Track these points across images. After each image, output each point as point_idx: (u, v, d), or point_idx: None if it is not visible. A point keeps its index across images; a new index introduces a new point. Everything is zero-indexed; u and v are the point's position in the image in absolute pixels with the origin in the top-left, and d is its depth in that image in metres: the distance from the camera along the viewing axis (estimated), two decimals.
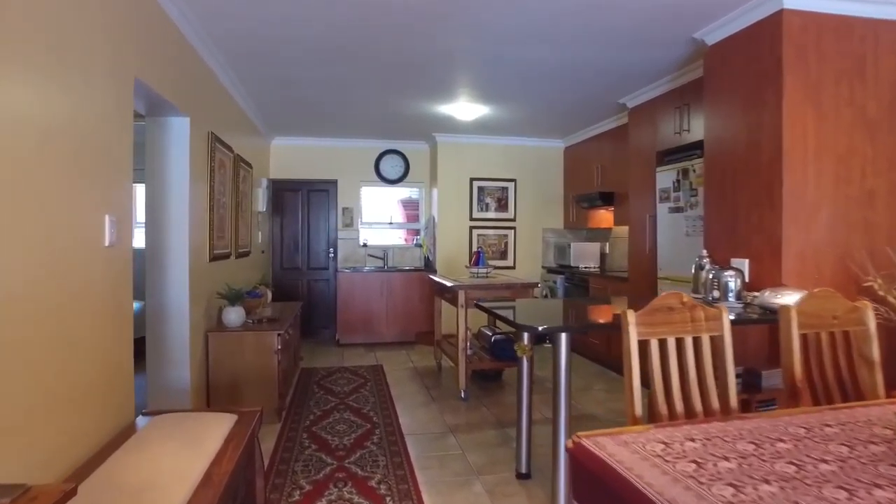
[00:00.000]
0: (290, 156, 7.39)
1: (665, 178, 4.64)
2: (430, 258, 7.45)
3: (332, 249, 7.56)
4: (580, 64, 4.35)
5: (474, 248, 7.35)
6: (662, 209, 4.67)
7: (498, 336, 4.98)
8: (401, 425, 4.02)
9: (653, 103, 4.91)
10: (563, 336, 2.50)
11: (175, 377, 3.54)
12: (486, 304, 3.25)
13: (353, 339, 7.05)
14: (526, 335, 3.01)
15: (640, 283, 5.08)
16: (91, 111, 2.18)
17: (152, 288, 3.51)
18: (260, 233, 6.43)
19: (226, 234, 4.53)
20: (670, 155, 4.68)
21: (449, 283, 4.65)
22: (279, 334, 4.03)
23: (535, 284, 4.82)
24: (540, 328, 2.36)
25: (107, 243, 2.31)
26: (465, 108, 5.70)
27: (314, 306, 7.49)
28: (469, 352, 4.71)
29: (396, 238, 7.98)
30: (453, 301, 4.75)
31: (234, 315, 4.05)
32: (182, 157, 3.52)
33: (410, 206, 8.02)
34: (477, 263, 5.18)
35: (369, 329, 7.06)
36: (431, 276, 5.68)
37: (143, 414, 2.63)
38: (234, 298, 4.07)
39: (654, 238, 4.80)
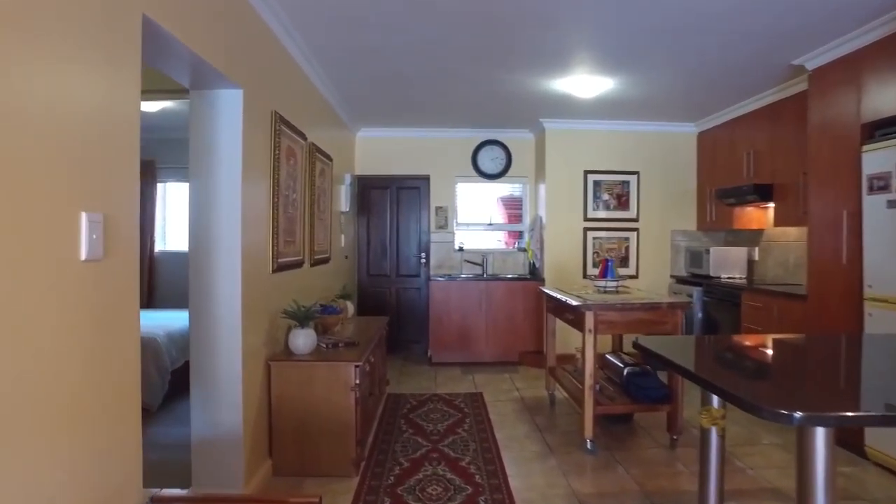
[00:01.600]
0: (377, 149, 6.62)
1: (879, 159, 3.33)
2: (537, 265, 6.41)
3: (423, 254, 6.71)
4: (747, 7, 3.17)
5: (590, 253, 6.22)
6: (875, 203, 3.36)
7: (632, 368, 3.87)
8: (511, 490, 3.03)
9: (856, 58, 3.59)
10: (822, 433, 1.40)
11: (224, 421, 2.76)
12: (654, 349, 2.12)
13: (447, 357, 6.15)
14: (716, 398, 1.92)
15: (828, 303, 3.77)
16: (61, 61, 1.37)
17: (196, 307, 2.75)
18: (343, 236, 5.69)
19: (297, 238, 3.75)
20: (888, 127, 3.36)
21: (573, 302, 3.61)
22: (357, 366, 3.17)
23: (688, 304, 3.66)
24: (796, 415, 1.28)
25: (84, 256, 1.50)
26: (584, 83, 4.62)
27: (403, 318, 6.67)
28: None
29: (495, 241, 7.00)
30: (577, 324, 3.70)
31: (302, 339, 3.25)
32: (232, 140, 2.73)
33: (512, 204, 7.02)
34: (605, 275, 4.09)
35: (466, 346, 6.12)
36: (544, 290, 4.65)
37: (154, 502, 1.82)
38: (303, 318, 3.27)
39: (858, 243, 3.49)
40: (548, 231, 6.18)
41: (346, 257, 5.96)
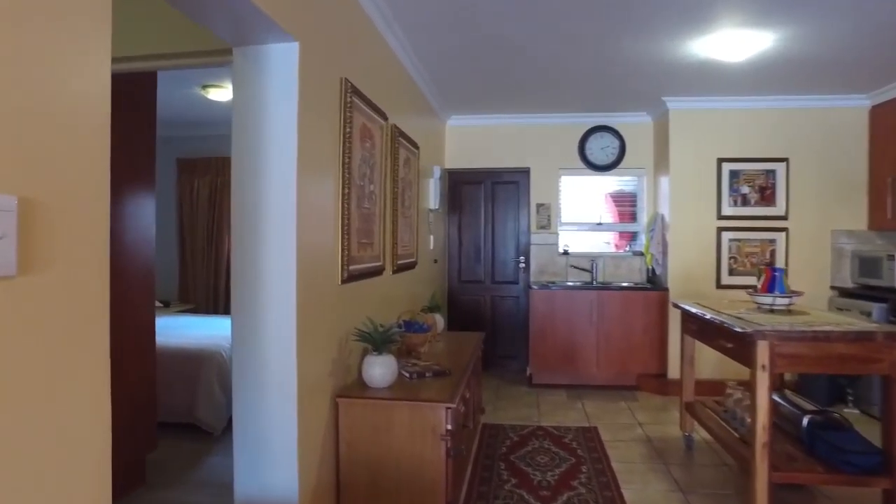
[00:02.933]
0: (469, 139, 5.87)
1: None
2: (657, 271, 5.40)
3: (522, 258, 5.88)
4: None
5: (724, 258, 5.13)
6: None
7: (815, 416, 2.85)
8: None
9: None
10: None
11: (275, 481, 2.09)
12: None
13: (550, 377, 5.29)
14: None
15: None
16: None
17: (240, 328, 2.11)
18: (432, 237, 4.99)
19: (375, 239, 3.07)
20: None
21: (738, 327, 2.66)
22: (449, 408, 2.42)
23: None
24: None
25: None
26: (732, 42, 3.62)
27: (499, 330, 5.88)
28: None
29: (602, 243, 6.04)
30: (740, 355, 2.74)
31: (379, 369, 2.54)
32: (285, 111, 2.07)
33: (623, 200, 6.03)
34: (771, 288, 3.09)
35: (573, 366, 5.23)
36: (681, 305, 3.69)
37: None
38: (380, 342, 2.56)
39: None
40: (672, 232, 5.16)
41: (435, 261, 5.26)
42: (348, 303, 2.67)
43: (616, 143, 5.73)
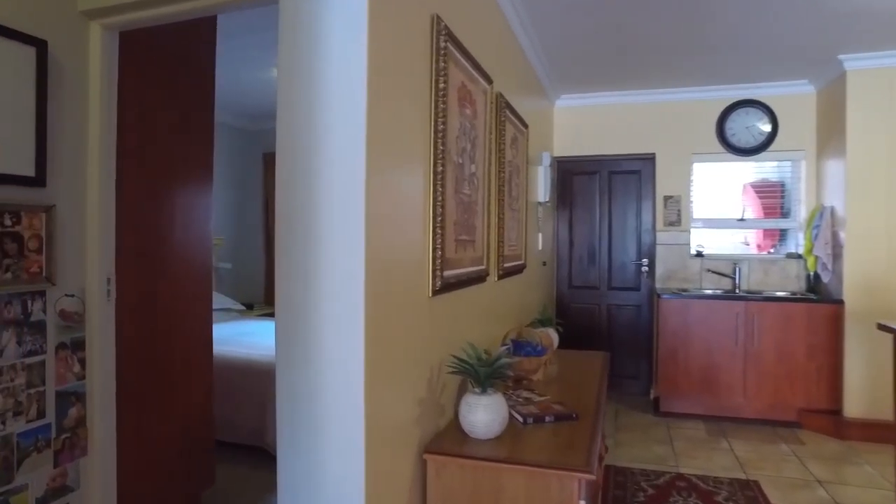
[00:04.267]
0: (582, 122, 5.05)
1: None
2: (824, 278, 4.31)
3: (645, 260, 4.97)
4: None
5: None
6: None
7: None
8: None
9: None
10: None
11: None
12: None
13: (682, 405, 4.36)
14: None
15: None
16: None
17: (285, 354, 1.49)
18: (541, 235, 4.23)
19: (477, 237, 2.37)
20: None
21: None
22: (584, 479, 1.67)
23: None
24: None
25: None
26: None
27: (616, 343, 5.00)
28: None
29: (740, 244, 4.99)
30: None
31: (483, 414, 1.83)
32: (349, 59, 1.42)
33: (768, 191, 4.95)
34: None
35: (712, 392, 4.28)
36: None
37: None
38: (484, 378, 1.86)
39: None
40: (848, 229, 4.05)
41: (544, 264, 4.49)
42: (441, 320, 2.00)
43: (766, 119, 4.68)
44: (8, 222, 1.75)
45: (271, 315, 5.40)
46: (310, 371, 1.48)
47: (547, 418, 2.05)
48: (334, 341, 1.45)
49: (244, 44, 3.65)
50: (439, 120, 1.87)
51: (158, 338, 2.33)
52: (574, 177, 5.15)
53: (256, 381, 3.40)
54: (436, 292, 1.85)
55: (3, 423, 1.77)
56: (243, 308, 5.18)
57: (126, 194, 2.12)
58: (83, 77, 1.95)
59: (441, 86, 1.87)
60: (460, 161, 2.13)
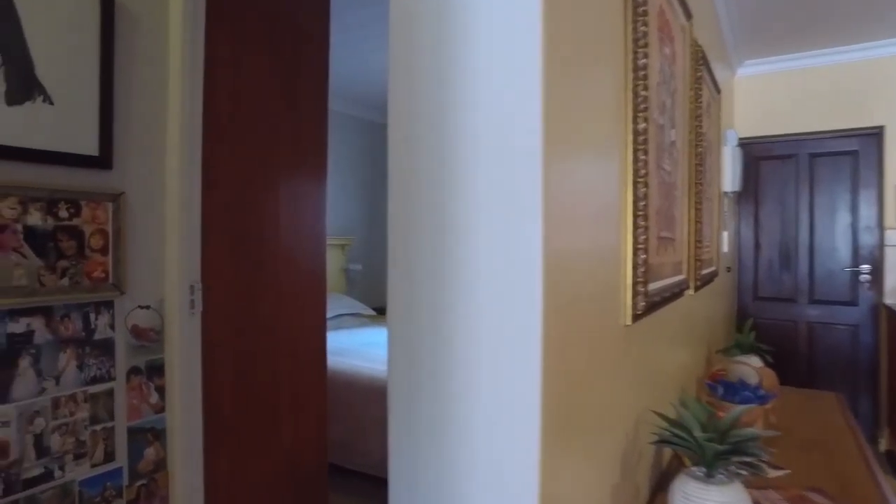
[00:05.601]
0: (772, 92, 4.03)
1: None
2: None
3: (865, 267, 3.83)
4: None
5: None
6: None
7: None
8: None
9: None
10: None
11: None
12: None
13: None
14: None
15: None
16: None
17: (406, 408, 0.90)
18: (726, 233, 3.35)
19: (677, 233, 1.65)
20: None
21: None
22: None
23: None
24: None
25: None
26: None
27: (822, 372, 3.92)
28: None
29: None
30: None
31: None
32: None
33: None
34: None
35: None
36: None
37: None
38: (711, 459, 1.15)
39: None
40: None
41: (728, 270, 3.59)
42: (638, 357, 1.32)
43: None
44: (64, 214, 1.36)
45: None
46: (450, 427, 0.89)
47: None
48: (491, 378, 0.85)
49: (374, 33, 3.23)
50: (639, 52, 1.20)
51: (258, 357, 1.89)
52: (761, 162, 4.14)
53: (380, 402, 2.93)
54: (637, 316, 1.17)
55: (62, 467, 1.39)
56: (373, 313, 4.82)
57: (215, 181, 1.69)
58: (160, 32, 1.54)
59: (635, 22, 1.19)
60: (661, 122, 1.44)
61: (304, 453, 2.11)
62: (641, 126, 1.19)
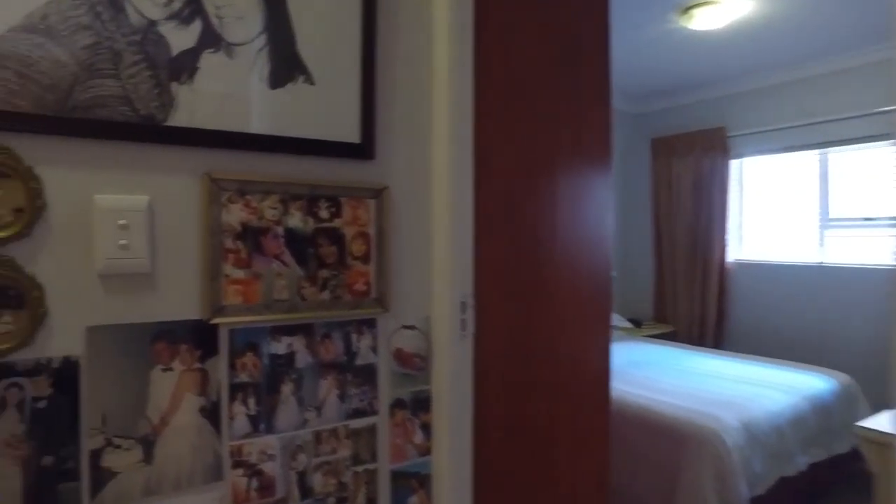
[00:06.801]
0: None
1: None
2: None
3: None
4: None
5: None
6: None
7: None
8: None
9: None
10: None
11: None
12: None
13: None
14: None
15: None
16: None
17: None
18: None
19: None
20: None
21: None
22: None
23: None
24: None
25: None
26: None
27: None
28: None
29: None
30: None
31: None
32: None
33: None
34: None
35: None
36: None
37: None
38: None
39: None
40: None
41: None
42: None
43: None
44: (325, 214, 1.14)
45: (661, 336, 4.32)
46: None
47: None
48: None
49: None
50: None
51: (535, 389, 1.52)
52: None
53: (656, 441, 2.39)
54: None
55: None
56: (630, 326, 4.25)
57: (487, 173, 1.36)
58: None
59: None
60: None
61: (584, 498, 1.69)
62: None
